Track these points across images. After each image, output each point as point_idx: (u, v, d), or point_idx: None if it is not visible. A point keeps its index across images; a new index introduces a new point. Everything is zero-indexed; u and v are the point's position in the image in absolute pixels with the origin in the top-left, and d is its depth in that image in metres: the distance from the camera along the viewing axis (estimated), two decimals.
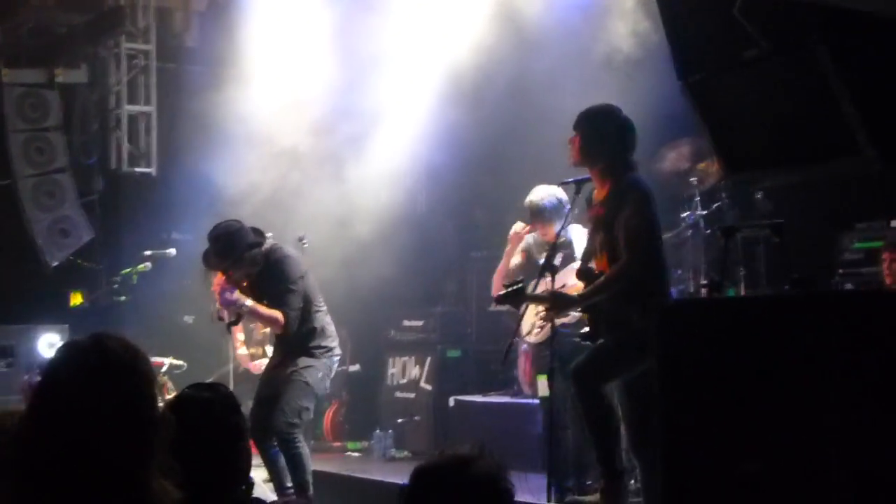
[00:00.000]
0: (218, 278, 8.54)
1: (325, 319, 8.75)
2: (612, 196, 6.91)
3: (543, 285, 8.29)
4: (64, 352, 3.14)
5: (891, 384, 4.35)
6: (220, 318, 8.71)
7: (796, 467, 4.54)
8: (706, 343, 4.90)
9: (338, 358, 8.90)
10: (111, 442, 2.98)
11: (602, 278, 6.84)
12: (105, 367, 3.05)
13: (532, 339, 9.08)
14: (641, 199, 6.82)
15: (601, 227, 6.95)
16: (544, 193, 8.66)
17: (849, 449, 4.38)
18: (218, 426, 3.87)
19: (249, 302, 8.47)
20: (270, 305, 8.51)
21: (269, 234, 8.76)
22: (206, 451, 3.77)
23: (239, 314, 8.68)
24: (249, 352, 11.67)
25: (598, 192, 7.12)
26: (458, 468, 3.13)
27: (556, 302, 7.04)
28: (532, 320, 8.93)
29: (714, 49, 5.64)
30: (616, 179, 6.93)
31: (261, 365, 9.38)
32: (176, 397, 4.07)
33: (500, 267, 9.29)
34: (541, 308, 7.95)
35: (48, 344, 11.76)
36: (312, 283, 8.73)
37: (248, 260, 8.49)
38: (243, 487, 3.94)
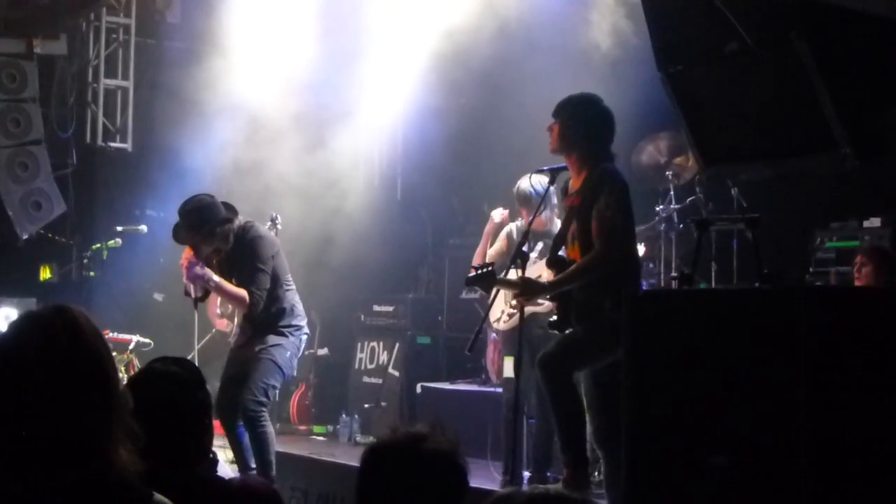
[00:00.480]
0: (186, 252, 8.48)
1: (293, 298, 8.70)
2: (587, 185, 6.88)
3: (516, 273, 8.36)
4: (25, 320, 3.08)
5: (858, 378, 4.36)
6: (187, 294, 8.64)
7: (763, 461, 4.54)
8: (675, 334, 4.90)
9: (306, 337, 8.85)
10: (75, 410, 2.93)
11: (574, 266, 6.81)
12: (70, 335, 3.01)
13: (501, 326, 9.05)
14: (617, 190, 6.79)
15: (575, 216, 6.91)
16: (534, 181, 8.60)
17: (816, 443, 4.38)
18: (183, 400, 3.84)
19: (216, 278, 8.41)
20: (238, 284, 8.45)
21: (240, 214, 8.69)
22: (170, 425, 3.74)
23: (206, 290, 8.61)
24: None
25: (573, 180, 7.09)
26: (411, 445, 3.09)
27: (527, 288, 6.99)
28: (502, 307, 8.92)
29: (694, 41, 5.65)
30: (592, 169, 6.89)
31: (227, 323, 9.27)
32: (142, 370, 4.01)
33: (478, 252, 9.28)
34: (511, 295, 7.95)
35: (4, 317, 11.65)
36: (283, 262, 8.67)
37: (218, 235, 8.42)
38: (205, 464, 3.91)
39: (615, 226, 6.72)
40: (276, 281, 8.52)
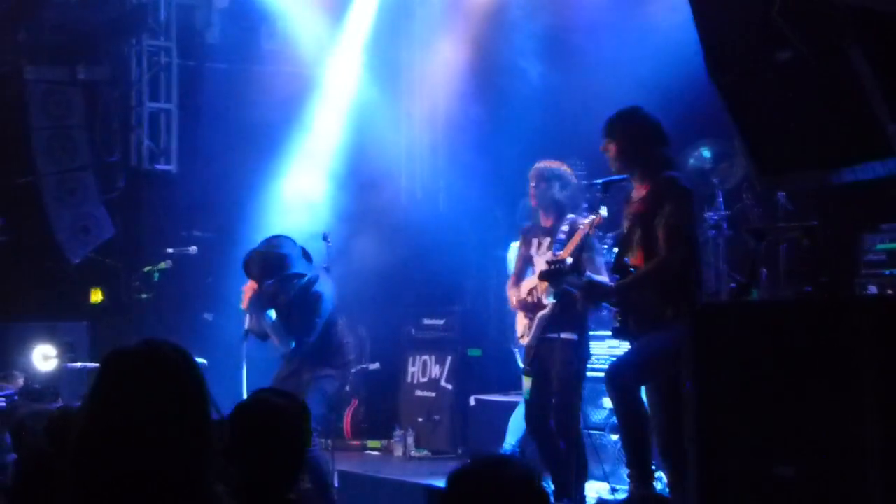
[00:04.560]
0: (251, 284, 8.64)
1: (343, 335, 8.85)
2: (652, 193, 6.90)
3: (528, 283, 8.55)
4: (114, 359, 3.09)
5: None
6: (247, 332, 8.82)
7: (830, 473, 4.54)
8: (740, 345, 4.90)
9: (354, 370, 9.03)
10: (168, 450, 2.95)
11: (640, 272, 6.83)
12: (158, 373, 3.02)
13: (524, 342, 9.05)
14: (683, 196, 6.82)
15: (639, 223, 6.93)
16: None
17: (884, 456, 4.37)
18: (289, 433, 3.93)
19: (274, 316, 8.59)
20: (289, 326, 8.64)
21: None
22: (271, 456, 3.82)
23: (255, 321, 8.76)
24: None
25: (637, 189, 7.11)
26: (493, 471, 3.12)
27: (590, 292, 6.99)
28: (524, 323, 8.94)
29: (746, 50, 5.64)
30: (655, 177, 6.93)
31: None
32: (251, 399, 4.13)
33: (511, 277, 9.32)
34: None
35: (42, 356, 11.74)
36: (335, 302, 8.82)
37: (285, 285, 8.57)
38: (292, 495, 3.99)
39: (681, 231, 6.74)
40: (329, 321, 8.65)
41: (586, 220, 7.96)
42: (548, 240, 8.77)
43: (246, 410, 4.02)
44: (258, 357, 10.00)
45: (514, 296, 8.82)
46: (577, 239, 8.35)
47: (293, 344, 8.63)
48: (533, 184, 8.82)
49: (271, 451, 3.84)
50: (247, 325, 8.81)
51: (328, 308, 8.67)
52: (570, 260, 7.28)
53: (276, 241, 8.75)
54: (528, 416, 8.25)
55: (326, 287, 8.77)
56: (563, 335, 8.03)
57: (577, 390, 7.97)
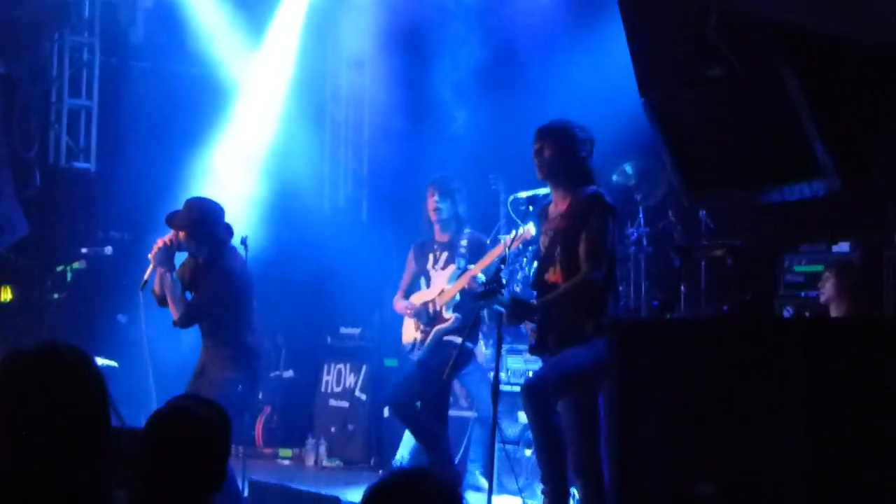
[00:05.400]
0: (169, 235, 8.42)
1: (252, 336, 8.57)
2: (574, 208, 6.89)
3: (422, 296, 8.96)
4: (12, 359, 2.99)
5: (853, 411, 4.34)
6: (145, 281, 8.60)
7: (751, 491, 4.52)
8: (664, 362, 4.87)
9: (269, 375, 8.83)
10: (62, 455, 2.86)
11: (562, 289, 6.81)
12: (56, 376, 2.92)
13: (414, 355, 9.08)
14: (607, 213, 6.83)
15: (559, 239, 6.91)
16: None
17: (808, 476, 4.36)
18: (214, 445, 3.81)
19: (175, 275, 8.39)
20: (192, 298, 8.44)
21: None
22: (194, 468, 3.71)
23: (159, 279, 8.52)
24: None
25: (557, 204, 7.09)
26: (411, 485, 3.06)
27: (516, 309, 6.95)
28: (415, 334, 9.01)
29: (677, 65, 5.64)
30: (577, 191, 6.91)
31: None
32: (168, 407, 3.91)
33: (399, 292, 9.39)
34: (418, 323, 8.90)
35: None
36: (248, 301, 8.59)
37: (205, 241, 8.38)
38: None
39: (605, 248, 6.75)
40: (237, 318, 8.44)
41: (511, 235, 8.00)
42: (445, 254, 8.83)
43: (162, 420, 3.86)
44: (171, 360, 9.87)
45: (401, 307, 8.95)
46: (497, 252, 8.39)
47: (184, 309, 8.37)
48: (435, 197, 8.86)
49: (186, 465, 3.71)
50: (147, 275, 8.53)
51: (232, 292, 8.38)
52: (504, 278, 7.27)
53: (205, 198, 8.63)
54: (396, 395, 8.93)
55: (237, 269, 8.52)
56: (467, 344, 8.59)
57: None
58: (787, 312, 8.97)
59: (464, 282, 8.73)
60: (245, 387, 8.47)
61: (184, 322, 8.39)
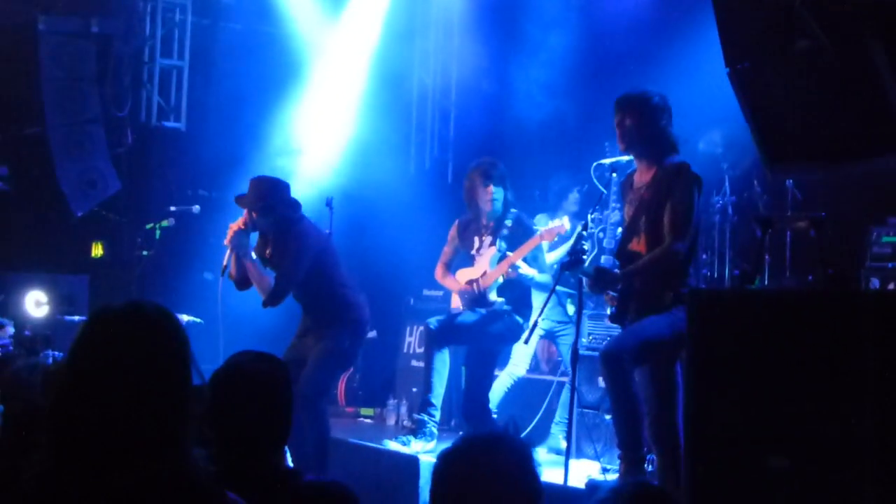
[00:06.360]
0: (242, 218, 8.52)
1: (353, 293, 8.72)
2: (659, 178, 6.87)
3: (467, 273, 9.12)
4: (99, 317, 3.07)
5: None
6: (225, 267, 8.71)
7: (825, 464, 4.51)
8: (741, 333, 4.87)
9: (366, 327, 8.91)
10: (144, 412, 2.93)
11: (646, 258, 6.81)
12: (141, 334, 3.00)
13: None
14: (693, 184, 6.80)
15: (644, 209, 6.90)
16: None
17: (879, 451, 4.35)
18: (271, 399, 3.87)
19: (254, 255, 8.52)
20: (276, 279, 8.55)
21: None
22: (255, 421, 3.76)
23: (242, 272, 8.63)
24: None
25: (641, 174, 7.07)
26: (485, 450, 3.09)
27: (599, 278, 6.97)
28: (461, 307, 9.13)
29: (763, 39, 5.60)
30: (661, 161, 6.90)
31: None
32: (229, 366, 3.97)
33: (440, 266, 9.51)
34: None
35: (34, 302, 11.69)
36: (333, 258, 8.70)
37: (275, 215, 8.47)
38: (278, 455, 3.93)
39: (689, 219, 6.73)
40: (329, 278, 8.56)
41: (550, 227, 8.22)
42: (489, 238, 8.87)
43: (220, 377, 3.91)
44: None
45: (451, 283, 8.99)
46: (534, 243, 8.55)
47: (272, 284, 8.50)
48: (491, 188, 8.87)
49: (247, 419, 3.76)
50: (225, 260, 8.66)
51: (311, 259, 8.51)
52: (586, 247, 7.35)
53: (265, 175, 8.79)
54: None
55: (311, 236, 8.63)
56: (516, 318, 8.97)
57: None
58: (875, 284, 8.88)
59: (504, 268, 8.79)
60: (351, 341, 8.63)
61: (272, 302, 8.54)
